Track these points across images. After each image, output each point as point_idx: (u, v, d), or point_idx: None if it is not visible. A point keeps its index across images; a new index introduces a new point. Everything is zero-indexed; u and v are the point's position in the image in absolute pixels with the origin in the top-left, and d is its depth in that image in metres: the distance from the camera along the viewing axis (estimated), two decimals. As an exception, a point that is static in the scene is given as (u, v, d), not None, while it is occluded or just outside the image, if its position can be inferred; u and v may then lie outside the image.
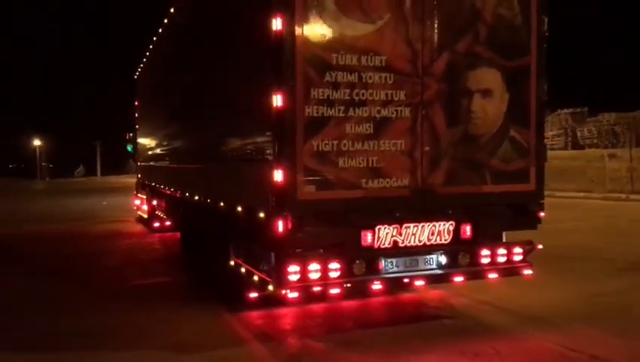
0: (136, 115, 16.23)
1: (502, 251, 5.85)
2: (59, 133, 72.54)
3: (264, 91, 5.08)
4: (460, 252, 5.66)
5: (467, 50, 5.50)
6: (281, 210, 4.96)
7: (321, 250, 5.33)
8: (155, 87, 12.46)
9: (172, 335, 5.85)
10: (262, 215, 5.24)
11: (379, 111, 5.19)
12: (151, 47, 12.57)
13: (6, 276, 9.11)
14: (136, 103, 16.18)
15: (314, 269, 5.15)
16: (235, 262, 6.48)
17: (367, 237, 5.34)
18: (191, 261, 9.20)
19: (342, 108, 5.06)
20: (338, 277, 5.23)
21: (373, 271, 5.39)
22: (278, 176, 4.94)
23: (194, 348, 5.43)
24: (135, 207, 16.93)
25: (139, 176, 16.79)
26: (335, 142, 5.06)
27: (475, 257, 5.73)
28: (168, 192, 11.08)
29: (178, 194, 9.81)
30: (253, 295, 6.35)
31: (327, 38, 4.99)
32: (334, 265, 5.21)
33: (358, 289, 5.56)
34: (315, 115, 4.98)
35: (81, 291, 7.95)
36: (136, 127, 16.49)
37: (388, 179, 5.27)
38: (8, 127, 77.03)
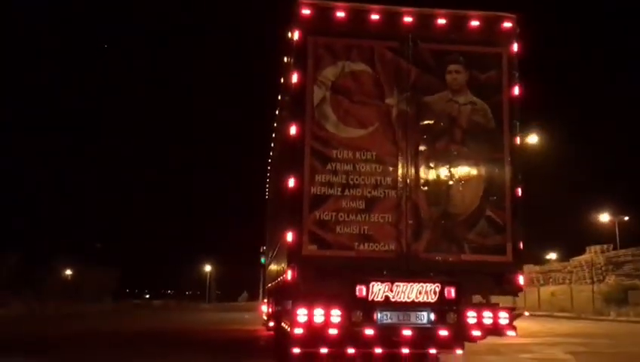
0: (266, 230, 18.73)
1: (488, 314, 6.79)
2: (230, 262, 79.25)
3: (287, 177, 6.91)
4: (447, 311, 6.70)
5: (445, 147, 6.97)
6: (290, 262, 6.57)
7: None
8: (270, 204, 14.85)
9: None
10: (284, 271, 6.85)
11: (370, 192, 6.77)
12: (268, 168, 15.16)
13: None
14: (267, 220, 18.75)
15: (319, 314, 6.54)
16: (283, 323, 7.98)
17: (362, 291, 6.66)
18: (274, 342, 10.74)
19: (340, 189, 6.73)
20: (338, 323, 6.53)
21: (369, 320, 6.62)
22: (289, 237, 6.63)
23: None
24: (261, 312, 18.93)
25: (266, 284, 18.93)
26: (334, 213, 6.68)
27: (461, 316, 6.72)
28: (270, 288, 12.94)
29: (271, 287, 11.64)
30: (296, 350, 7.65)
31: (329, 139, 6.83)
32: (335, 312, 6.57)
33: (354, 334, 6.71)
34: (319, 193, 6.70)
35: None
36: (267, 240, 18.90)
37: (377, 244, 6.69)
38: (186, 256, 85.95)
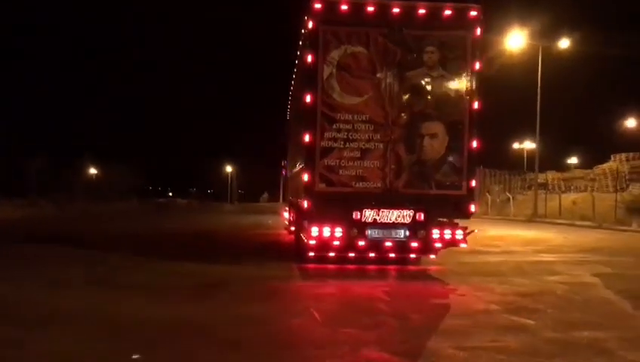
0: (288, 147, 22.37)
1: (447, 231, 10.35)
2: (251, 162, 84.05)
3: (303, 133, 10.28)
4: (418, 229, 10.25)
5: (420, 111, 10.22)
6: (306, 196, 10.11)
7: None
8: (290, 128, 18.27)
9: (260, 265, 11.25)
10: (302, 200, 10.41)
11: (364, 145, 10.13)
12: (289, 95, 18.43)
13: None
14: (287, 138, 22.33)
15: (326, 230, 10.13)
16: (302, 235, 11.62)
17: (358, 215, 10.21)
18: (294, 245, 14.54)
19: (342, 142, 10.09)
20: (340, 236, 10.14)
21: (362, 235, 10.22)
22: (305, 177, 10.11)
23: (263, 269, 10.75)
24: (283, 218, 22.96)
25: (288, 194, 22.83)
26: (337, 160, 10.09)
27: (428, 233, 10.28)
28: (292, 199, 16.66)
29: (293, 199, 15.32)
30: (311, 254, 11.29)
31: (334, 105, 10.10)
32: (338, 229, 10.15)
33: (351, 244, 10.32)
34: (326, 146, 10.08)
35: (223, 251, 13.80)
36: (287, 156, 22.56)
37: (368, 183, 10.15)
38: (208, 155, 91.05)
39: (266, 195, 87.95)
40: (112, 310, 7.35)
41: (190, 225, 27.64)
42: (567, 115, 52.87)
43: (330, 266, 11.34)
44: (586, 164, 46.93)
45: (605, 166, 41.26)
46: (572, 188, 42.42)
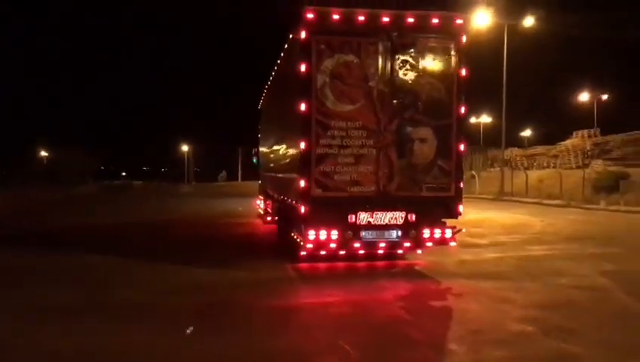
0: (259, 135, 22.90)
1: (437, 230, 11.17)
2: (206, 140, 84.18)
3: (298, 140, 10.89)
4: (410, 229, 11.05)
5: (410, 117, 10.95)
6: (303, 201, 10.77)
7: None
8: (266, 119, 18.78)
9: (253, 268, 11.89)
10: (297, 204, 11.07)
11: (357, 151, 10.82)
12: (266, 87, 18.92)
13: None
14: (259, 126, 22.86)
15: (323, 233, 10.83)
16: (294, 234, 12.28)
17: (352, 218, 10.93)
18: (278, 239, 15.22)
19: (336, 149, 10.76)
20: (336, 239, 10.85)
21: (356, 237, 10.96)
22: (302, 183, 10.76)
23: (259, 272, 11.41)
24: (256, 206, 23.59)
25: (260, 182, 23.46)
26: (332, 166, 10.76)
27: (419, 233, 11.09)
28: (271, 194, 17.28)
29: (275, 195, 15.95)
30: (303, 253, 11.98)
31: (328, 113, 10.73)
32: (334, 232, 10.86)
33: (346, 246, 11.06)
34: (322, 152, 10.73)
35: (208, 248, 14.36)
36: (259, 144, 23.12)
37: (362, 187, 10.86)
38: (162, 133, 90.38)
39: (224, 174, 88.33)
40: (119, 352, 6.83)
41: (157, 213, 28.05)
42: (522, 90, 54.76)
43: (322, 265, 12.04)
44: (541, 137, 48.83)
45: (568, 142, 42.98)
46: (535, 165, 44.11)
